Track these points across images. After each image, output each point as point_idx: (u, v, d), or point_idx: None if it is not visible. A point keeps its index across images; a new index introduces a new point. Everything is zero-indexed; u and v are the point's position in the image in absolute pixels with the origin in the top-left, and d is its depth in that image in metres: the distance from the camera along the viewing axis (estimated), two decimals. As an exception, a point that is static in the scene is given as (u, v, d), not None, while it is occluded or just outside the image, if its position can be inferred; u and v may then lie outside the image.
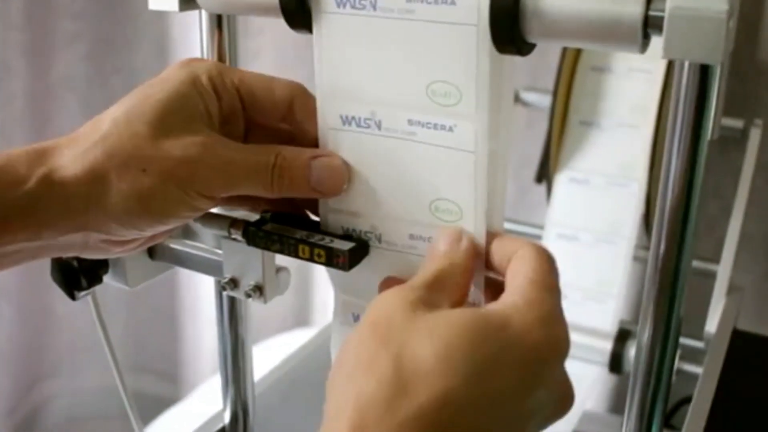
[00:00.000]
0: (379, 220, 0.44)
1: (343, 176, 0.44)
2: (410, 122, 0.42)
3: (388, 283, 0.43)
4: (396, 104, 0.42)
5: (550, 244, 0.86)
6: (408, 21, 0.40)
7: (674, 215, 0.40)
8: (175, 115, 0.42)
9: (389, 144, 0.43)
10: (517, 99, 0.96)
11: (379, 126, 0.43)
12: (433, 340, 0.33)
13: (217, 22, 0.50)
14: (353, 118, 0.43)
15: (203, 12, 0.49)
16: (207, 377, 1.26)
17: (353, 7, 0.41)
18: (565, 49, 0.85)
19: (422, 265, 0.40)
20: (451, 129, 0.41)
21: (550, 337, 0.35)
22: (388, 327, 0.34)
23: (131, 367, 1.37)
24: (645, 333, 0.42)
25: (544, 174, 0.90)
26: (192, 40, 0.50)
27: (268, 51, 1.15)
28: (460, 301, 0.39)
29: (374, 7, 0.40)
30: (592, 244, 0.84)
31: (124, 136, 0.41)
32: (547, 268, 0.38)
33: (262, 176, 0.42)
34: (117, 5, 1.21)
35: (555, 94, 0.86)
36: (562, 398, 0.37)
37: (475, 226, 0.42)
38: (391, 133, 0.42)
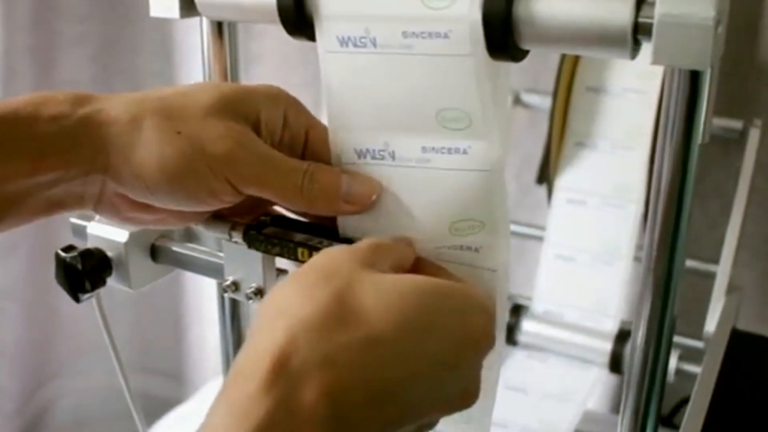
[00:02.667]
0: None
1: (374, 187, 0.43)
2: (424, 149, 0.42)
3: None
4: (408, 133, 0.42)
5: (548, 264, 0.87)
6: (408, 56, 0.40)
7: (666, 218, 0.40)
8: (233, 106, 0.42)
9: (406, 173, 0.43)
10: (518, 101, 0.96)
11: (393, 156, 0.43)
12: (376, 289, 0.35)
13: (218, 28, 0.51)
14: (368, 150, 0.43)
15: (204, 18, 0.50)
16: (211, 378, 1.27)
17: (355, 45, 0.41)
18: (560, 70, 0.85)
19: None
20: (465, 151, 0.41)
21: (487, 326, 0.38)
22: (333, 270, 0.36)
23: (136, 368, 1.38)
24: (639, 333, 0.43)
25: (545, 176, 0.91)
26: (195, 42, 0.51)
27: (270, 53, 1.16)
28: (399, 271, 0.40)
29: (374, 45, 0.41)
30: (589, 265, 0.84)
31: (175, 100, 0.41)
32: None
33: (294, 178, 0.42)
34: (121, 8, 1.22)
35: (552, 115, 0.87)
36: (470, 390, 0.38)
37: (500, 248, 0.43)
38: (405, 162, 0.43)
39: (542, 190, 0.94)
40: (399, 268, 0.40)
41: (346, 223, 0.45)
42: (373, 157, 0.43)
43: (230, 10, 0.48)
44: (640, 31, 0.37)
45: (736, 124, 0.86)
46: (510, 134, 0.98)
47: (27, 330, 1.30)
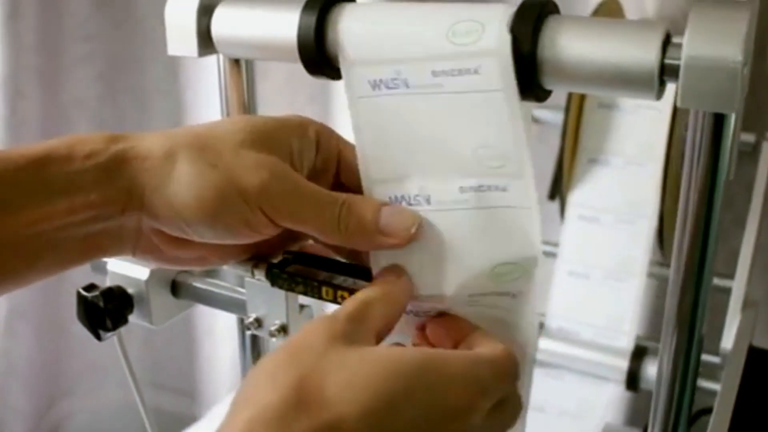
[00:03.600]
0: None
1: (414, 220, 0.42)
2: (462, 190, 0.41)
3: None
4: (444, 175, 0.41)
5: (562, 281, 0.87)
6: (440, 95, 0.40)
7: (691, 259, 0.41)
8: (266, 138, 0.42)
9: (443, 216, 0.42)
10: (528, 116, 0.96)
11: (428, 201, 0.42)
12: (340, 371, 0.34)
13: (236, 63, 0.51)
14: (402, 197, 0.43)
15: (221, 56, 0.50)
16: (225, 394, 1.27)
17: (388, 87, 0.41)
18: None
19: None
20: (505, 189, 0.41)
21: (472, 397, 0.37)
22: (302, 350, 0.36)
23: (149, 385, 1.38)
24: (666, 353, 0.43)
25: (557, 191, 0.91)
26: (203, 60, 0.50)
27: (276, 69, 1.15)
28: (383, 333, 0.40)
29: (407, 86, 0.41)
30: (602, 282, 0.84)
31: (208, 134, 0.41)
32: (510, 371, 0.39)
33: (330, 210, 0.41)
34: (127, 26, 1.22)
35: (564, 132, 0.86)
36: None
37: None
38: (442, 206, 0.42)
39: (553, 204, 0.94)
40: (380, 331, 0.39)
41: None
42: (409, 204, 0.43)
43: (249, 49, 0.48)
44: (666, 73, 0.37)
45: (749, 138, 0.85)
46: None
47: (38, 349, 1.30)
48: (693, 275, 0.41)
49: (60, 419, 1.39)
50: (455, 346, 0.41)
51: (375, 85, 0.41)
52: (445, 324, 0.42)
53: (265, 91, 1.13)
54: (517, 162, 0.40)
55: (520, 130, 0.39)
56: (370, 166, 0.43)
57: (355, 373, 0.34)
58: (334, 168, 0.45)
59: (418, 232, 0.42)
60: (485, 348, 0.39)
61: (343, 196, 0.42)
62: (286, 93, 1.11)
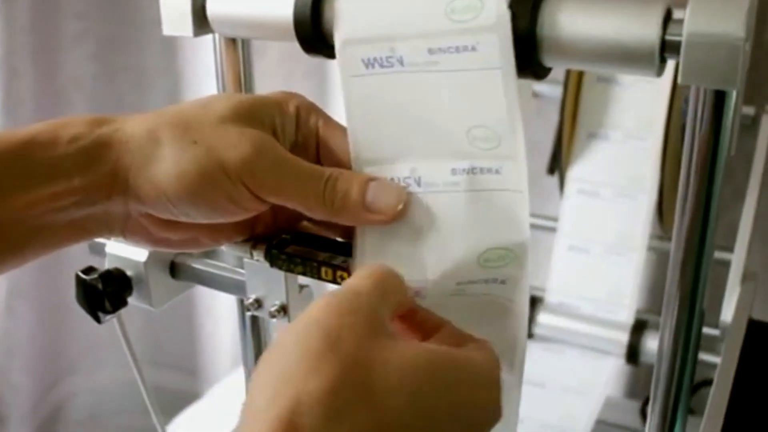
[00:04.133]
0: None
1: (401, 196, 0.41)
2: (454, 172, 0.41)
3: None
4: (436, 156, 0.41)
5: (561, 256, 0.87)
6: (436, 73, 0.40)
7: (692, 235, 0.40)
8: (248, 114, 0.41)
9: (433, 199, 0.41)
10: (526, 90, 0.96)
11: (419, 183, 0.41)
12: (386, 364, 0.33)
13: (232, 43, 0.51)
14: (392, 179, 0.42)
15: (217, 35, 0.50)
16: (226, 371, 1.28)
17: (382, 66, 0.40)
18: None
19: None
20: (498, 171, 0.40)
21: (496, 400, 0.36)
22: (338, 336, 0.33)
23: (151, 363, 1.39)
24: (668, 325, 0.43)
25: (556, 165, 0.90)
26: (201, 38, 0.50)
27: (272, 45, 1.15)
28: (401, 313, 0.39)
29: (402, 64, 0.40)
30: (603, 256, 0.84)
31: (191, 112, 0.41)
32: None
33: (316, 184, 0.40)
34: (122, 4, 1.21)
35: (563, 106, 0.86)
36: None
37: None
38: (433, 188, 0.41)
39: (551, 179, 0.94)
40: (399, 309, 0.38)
41: (364, 254, 0.43)
42: None
43: (244, 28, 0.47)
44: (667, 49, 0.36)
45: (748, 111, 0.85)
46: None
47: (39, 329, 1.30)
48: (694, 251, 0.41)
49: (62, 398, 1.39)
50: (422, 341, 0.39)
51: (369, 63, 0.41)
52: (412, 317, 0.40)
53: (261, 68, 1.12)
54: (511, 143, 0.39)
55: (515, 109, 0.39)
56: (360, 147, 0.42)
57: (405, 371, 0.33)
58: (314, 145, 0.44)
59: (404, 210, 0.41)
60: (474, 351, 0.38)
61: (329, 169, 0.41)
62: (282, 70, 1.11)
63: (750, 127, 0.86)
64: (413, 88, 0.40)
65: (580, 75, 0.85)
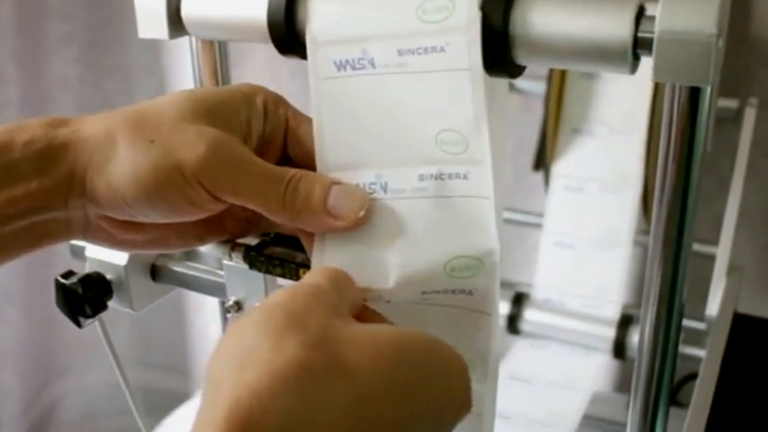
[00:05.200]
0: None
1: (363, 202, 0.40)
2: (421, 177, 0.40)
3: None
4: (403, 161, 0.40)
5: (548, 252, 0.87)
6: (405, 74, 0.39)
7: (670, 231, 0.40)
8: (210, 111, 0.40)
9: (398, 205, 0.40)
10: (512, 86, 0.96)
11: (385, 189, 0.40)
12: (356, 340, 0.31)
13: (209, 45, 0.50)
14: (357, 185, 0.41)
15: (194, 38, 0.49)
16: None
17: (353, 68, 0.40)
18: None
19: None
20: (465, 177, 0.39)
21: (468, 389, 0.34)
22: (302, 314, 0.32)
23: (141, 363, 1.38)
24: (647, 320, 0.43)
25: (542, 162, 0.90)
26: (184, 39, 0.50)
27: (259, 45, 1.14)
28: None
29: (373, 65, 0.40)
30: (589, 252, 0.84)
31: (148, 110, 0.40)
32: None
33: (275, 187, 0.39)
34: (107, 5, 1.21)
35: (547, 102, 0.86)
36: None
37: None
38: (399, 194, 0.40)
39: (538, 175, 0.94)
40: (354, 309, 0.37)
41: (322, 256, 0.41)
42: None
43: (219, 30, 0.47)
44: (639, 46, 0.36)
45: (732, 104, 0.85)
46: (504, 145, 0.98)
47: (29, 331, 1.30)
48: (672, 245, 0.41)
49: (53, 400, 1.39)
50: None
51: (340, 65, 0.40)
52: (367, 319, 0.39)
53: (247, 69, 1.12)
54: (478, 147, 0.39)
55: (482, 112, 0.38)
56: (327, 151, 0.41)
57: (378, 347, 0.31)
58: (282, 138, 0.43)
59: (367, 216, 0.40)
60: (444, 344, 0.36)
61: (291, 171, 0.40)
62: (269, 69, 1.10)
63: (734, 120, 0.86)
64: (383, 91, 0.40)
65: (564, 71, 0.85)
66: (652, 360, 0.44)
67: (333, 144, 0.41)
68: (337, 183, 0.40)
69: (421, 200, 0.40)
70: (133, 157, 0.38)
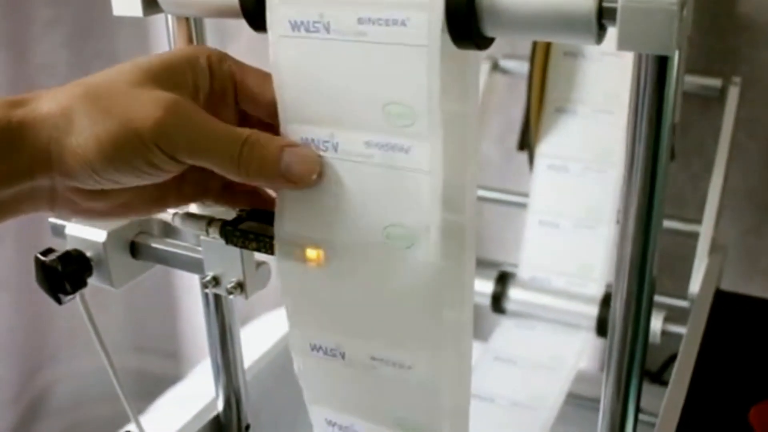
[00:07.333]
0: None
1: (315, 166, 0.43)
2: (367, 144, 0.41)
3: None
4: (353, 126, 0.41)
5: (532, 231, 0.87)
6: (361, 43, 0.40)
7: (641, 204, 0.41)
8: (160, 75, 0.42)
9: (347, 167, 0.42)
10: (496, 67, 0.96)
11: (336, 149, 0.42)
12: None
13: (185, 22, 0.50)
14: (313, 140, 0.43)
15: (170, 16, 0.50)
16: (206, 353, 1.28)
17: (308, 30, 0.41)
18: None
19: None
20: (407, 150, 0.40)
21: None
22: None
23: (132, 348, 1.39)
24: (619, 295, 0.43)
25: (526, 142, 0.90)
26: (171, 21, 0.50)
27: (247, 28, 1.14)
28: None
29: (327, 30, 0.40)
30: (573, 230, 0.85)
31: (100, 82, 0.42)
32: None
33: (231, 147, 0.41)
34: (93, -11, 1.20)
35: (530, 82, 0.86)
36: None
37: None
38: (347, 156, 0.42)
39: (524, 155, 0.94)
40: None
41: (283, 212, 0.45)
42: (317, 147, 0.43)
43: (193, 7, 0.47)
44: (604, 16, 0.36)
45: (716, 83, 0.85)
46: (489, 106, 0.98)
47: (19, 317, 1.30)
48: (642, 219, 0.41)
49: (44, 386, 1.39)
50: None
51: (295, 26, 0.41)
52: None
53: (234, 52, 1.12)
54: (426, 124, 0.39)
55: (435, 91, 0.39)
56: (286, 105, 0.43)
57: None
58: (232, 91, 0.45)
59: (319, 178, 0.43)
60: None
61: (246, 132, 0.41)
62: (256, 52, 1.10)
63: (718, 99, 0.86)
64: (337, 56, 0.40)
65: (547, 50, 0.85)
66: (623, 334, 0.44)
67: (290, 99, 0.43)
68: (291, 145, 0.42)
69: (365, 166, 0.42)
70: (94, 129, 0.40)
